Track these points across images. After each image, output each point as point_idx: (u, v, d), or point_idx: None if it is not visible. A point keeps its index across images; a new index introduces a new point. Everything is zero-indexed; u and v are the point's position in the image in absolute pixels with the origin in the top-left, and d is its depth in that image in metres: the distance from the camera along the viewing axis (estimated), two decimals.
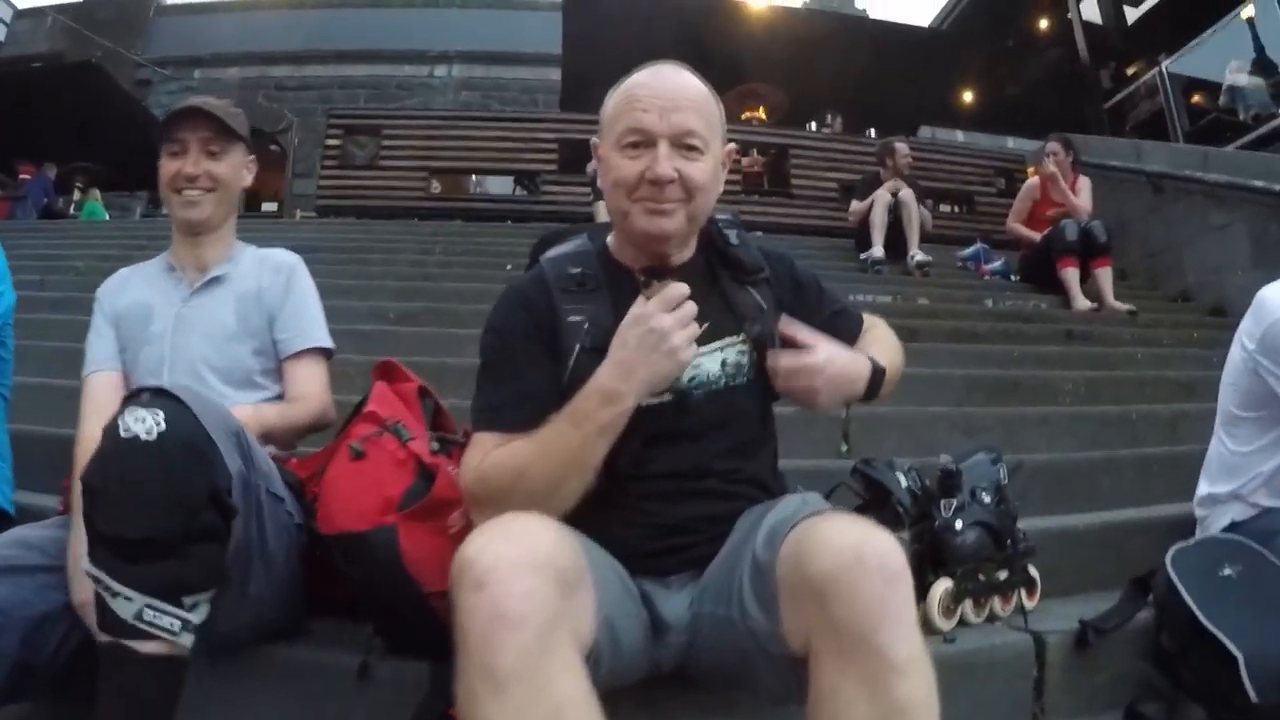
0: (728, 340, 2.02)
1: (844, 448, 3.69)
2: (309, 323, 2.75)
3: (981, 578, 2.64)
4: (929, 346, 5.85)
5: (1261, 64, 11.32)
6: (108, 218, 14.72)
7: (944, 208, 12.29)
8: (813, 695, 1.55)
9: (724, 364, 2.01)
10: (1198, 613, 2.49)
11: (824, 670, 1.54)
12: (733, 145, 2.15)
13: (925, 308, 7.17)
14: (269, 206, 19.51)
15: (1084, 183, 8.40)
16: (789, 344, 1.91)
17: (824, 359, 1.88)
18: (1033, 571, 2.79)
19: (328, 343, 2.78)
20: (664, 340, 1.75)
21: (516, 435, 1.86)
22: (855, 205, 9.03)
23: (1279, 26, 10.93)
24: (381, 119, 13.10)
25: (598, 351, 1.86)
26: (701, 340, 1.86)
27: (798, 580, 1.59)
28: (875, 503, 2.71)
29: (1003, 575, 2.70)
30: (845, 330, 2.17)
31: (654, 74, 1.99)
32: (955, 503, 2.67)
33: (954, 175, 12.29)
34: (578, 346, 1.93)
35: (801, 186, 11.80)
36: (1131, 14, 16.16)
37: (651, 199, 1.91)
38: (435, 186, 12.59)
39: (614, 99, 2.01)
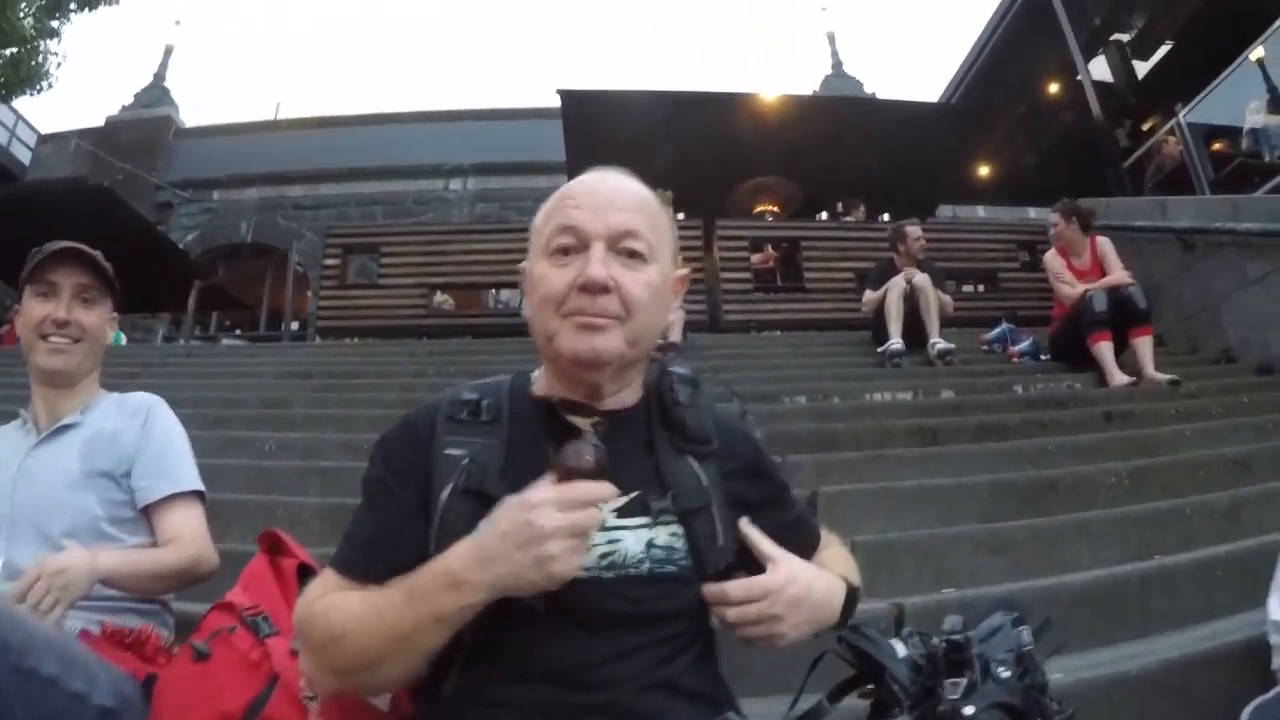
0: (658, 517, 1.62)
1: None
2: (173, 466, 2.55)
3: None
4: (953, 449, 5.42)
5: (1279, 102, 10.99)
6: (125, 342, 14.60)
7: (966, 288, 12.01)
8: None
9: (650, 545, 1.60)
10: None
11: None
12: (686, 271, 1.84)
13: (949, 401, 6.76)
14: (293, 327, 19.49)
15: (1105, 245, 8.03)
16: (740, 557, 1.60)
17: (786, 578, 1.56)
18: None
19: (197, 485, 2.57)
20: (538, 544, 1.37)
21: (360, 583, 1.56)
22: (868, 295, 8.73)
23: None
24: (380, 236, 13.07)
25: (473, 495, 1.54)
26: (622, 510, 1.56)
27: None
28: (867, 677, 2.17)
29: None
30: (802, 543, 1.80)
31: (594, 175, 1.73)
32: (964, 681, 2.12)
33: (974, 253, 11.96)
34: (450, 487, 1.57)
35: (815, 279, 11.48)
36: (1141, 68, 16.00)
37: (581, 311, 1.58)
38: (447, 303, 12.42)
39: (545, 206, 1.73)
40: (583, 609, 1.54)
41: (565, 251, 1.63)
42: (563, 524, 1.37)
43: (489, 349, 9.68)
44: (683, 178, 13.52)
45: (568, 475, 1.42)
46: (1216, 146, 12.26)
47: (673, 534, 1.62)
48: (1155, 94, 14.52)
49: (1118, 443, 5.48)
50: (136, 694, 1.96)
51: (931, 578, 3.59)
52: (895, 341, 8.16)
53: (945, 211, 16.84)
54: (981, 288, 12.03)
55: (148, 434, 2.53)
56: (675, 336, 8.28)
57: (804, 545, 1.80)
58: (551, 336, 1.62)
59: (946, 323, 8.66)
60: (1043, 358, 8.25)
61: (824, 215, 14.98)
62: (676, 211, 12.55)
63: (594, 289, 1.58)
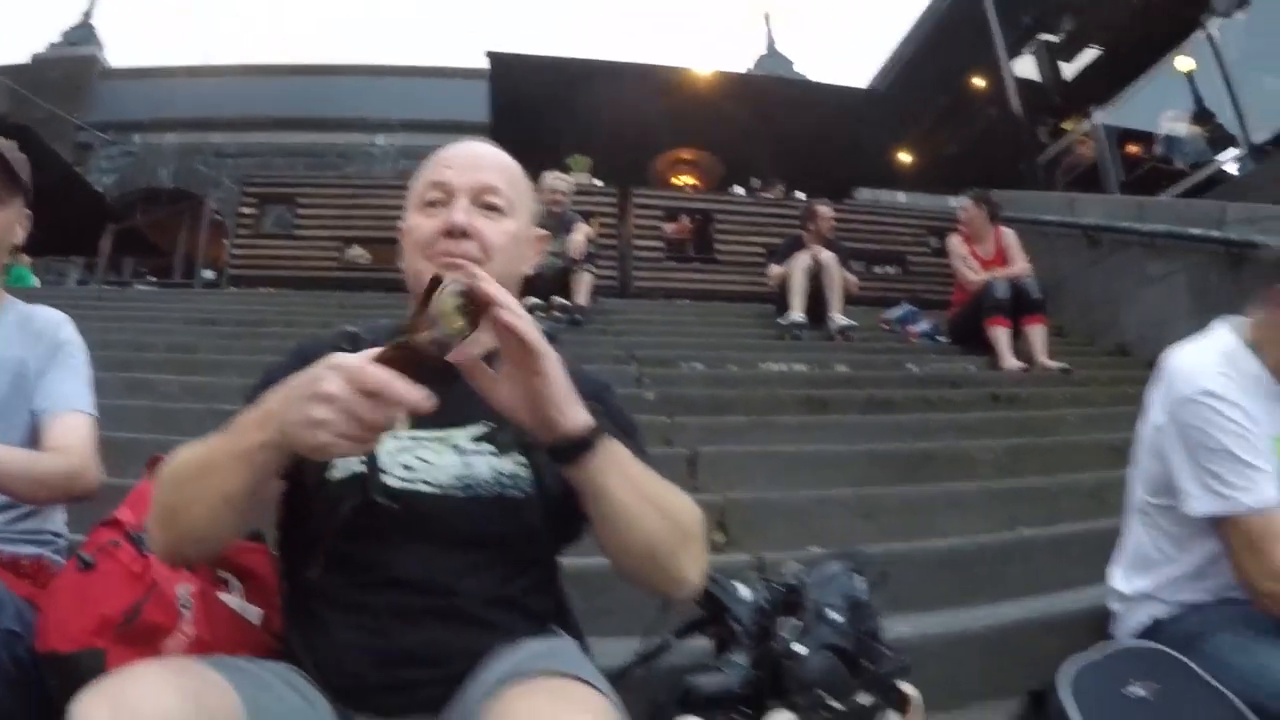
0: (506, 448, 1.74)
1: (720, 538, 3.34)
2: (70, 387, 2.44)
3: (837, 705, 2.21)
4: (838, 419, 5.50)
5: (1199, 114, 11.23)
6: (37, 283, 14.24)
7: (877, 269, 12.07)
8: None
9: (498, 472, 1.71)
10: None
11: None
12: (545, 232, 2.01)
13: (843, 375, 6.81)
14: (207, 274, 19.13)
15: (1008, 236, 8.22)
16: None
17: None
18: (907, 689, 2.35)
19: (90, 409, 2.46)
20: (312, 402, 1.33)
21: None
22: (774, 269, 8.85)
23: (1215, 76, 10.73)
24: (296, 187, 12.68)
25: None
26: (478, 438, 1.71)
27: None
28: (713, 620, 2.37)
29: (866, 700, 2.26)
30: None
31: (465, 143, 1.93)
32: (799, 623, 2.27)
33: (887, 236, 12.05)
34: None
35: (726, 251, 11.50)
36: (1068, 70, 16.24)
37: (446, 253, 1.73)
38: (363, 257, 12.25)
39: (421, 168, 1.91)
40: (435, 525, 1.65)
41: (434, 204, 1.81)
42: (338, 394, 1.31)
43: (401, 304, 9.54)
44: (605, 145, 13.57)
45: (407, 348, 1.35)
46: (1131, 150, 12.53)
47: (519, 463, 1.72)
48: (1079, 95, 14.74)
49: (1001, 423, 5.59)
50: (34, 621, 1.94)
51: (800, 538, 3.61)
52: (796, 315, 8.26)
53: (866, 195, 16.93)
54: (892, 270, 12.07)
55: (51, 357, 2.45)
56: (582, 300, 8.34)
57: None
58: (418, 275, 1.77)
59: (853, 301, 8.81)
60: (941, 339, 8.41)
61: (740, 190, 14.98)
62: (594, 178, 12.56)
63: (456, 233, 1.74)
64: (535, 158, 10.59)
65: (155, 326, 7.96)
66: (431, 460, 1.70)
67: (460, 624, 1.63)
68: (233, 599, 1.95)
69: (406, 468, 1.68)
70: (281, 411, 1.38)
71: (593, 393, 1.74)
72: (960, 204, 8.29)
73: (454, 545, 1.67)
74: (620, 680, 2.09)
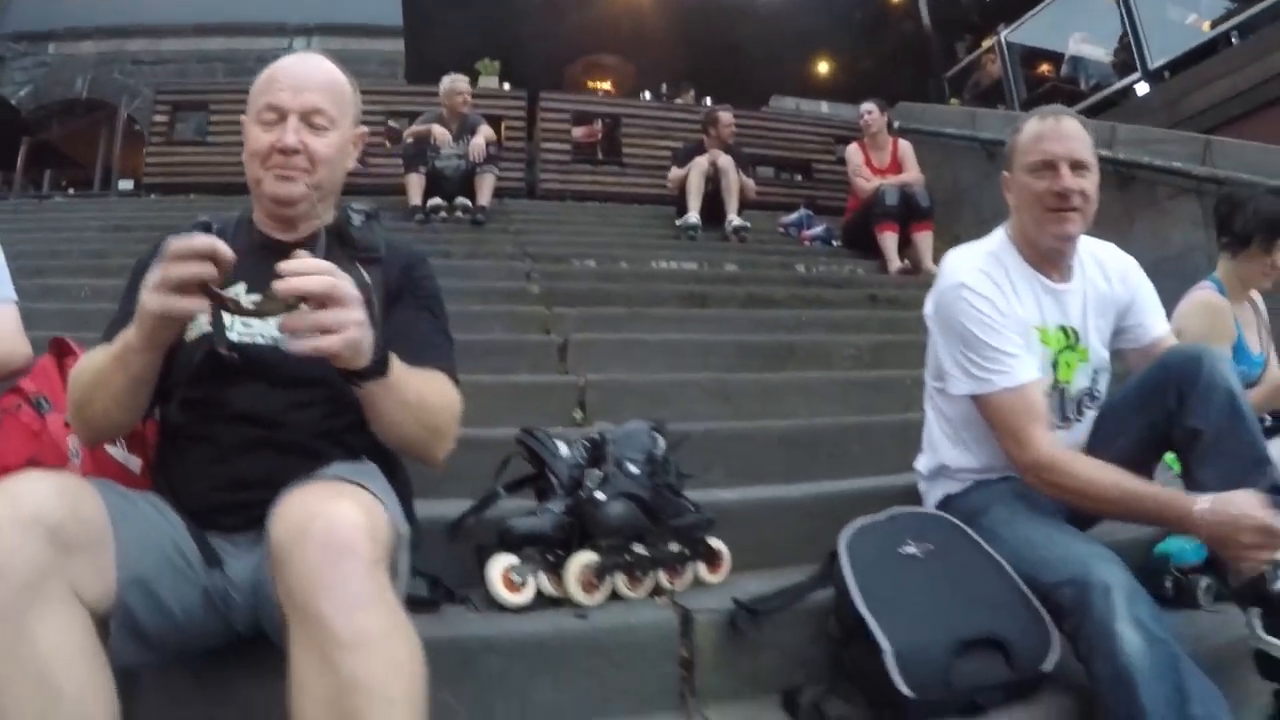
0: None
1: (579, 415, 3.49)
2: None
3: (641, 550, 2.48)
4: (713, 313, 5.68)
5: (1105, 37, 11.34)
6: None
7: (784, 175, 12.29)
8: (287, 664, 1.50)
9: None
10: (855, 596, 2.22)
11: (288, 640, 1.51)
12: (365, 129, 2.30)
13: (730, 274, 6.98)
14: (125, 185, 18.72)
15: (905, 147, 8.42)
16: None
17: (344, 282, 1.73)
18: (715, 544, 2.64)
19: (11, 295, 2.75)
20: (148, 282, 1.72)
21: None
22: (674, 172, 8.91)
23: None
24: (209, 94, 12.61)
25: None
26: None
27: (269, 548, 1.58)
28: (537, 474, 2.61)
29: (672, 548, 2.53)
30: (412, 347, 2.02)
31: (296, 59, 2.24)
32: (601, 474, 2.50)
33: (794, 144, 12.16)
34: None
35: (633, 155, 11.50)
36: None
37: (280, 167, 2.08)
38: None
39: (258, 80, 2.18)
40: (267, 369, 1.99)
41: (269, 121, 2.09)
42: (174, 268, 1.68)
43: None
44: (520, 50, 13.48)
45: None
46: (1043, 69, 12.66)
47: None
48: (998, 13, 14.76)
49: (873, 321, 5.79)
50: None
51: (655, 416, 3.77)
52: (692, 216, 8.35)
53: (789, 104, 16.94)
54: (799, 177, 12.22)
55: None
56: (484, 200, 8.39)
57: (412, 350, 2.00)
58: (258, 181, 2.12)
59: (759, 206, 9.05)
60: (835, 244, 8.58)
61: (647, 95, 14.96)
62: (502, 81, 12.50)
63: (288, 151, 2.06)
64: (448, 62, 10.56)
65: (70, 235, 7.89)
66: (264, 319, 1.92)
67: (289, 453, 1.97)
68: (116, 450, 2.18)
69: (245, 324, 2.02)
70: (140, 321, 1.74)
71: (406, 266, 2.24)
72: (866, 107, 8.34)
73: (283, 386, 2.00)
74: (456, 528, 2.45)
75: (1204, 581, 2.76)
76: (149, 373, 1.85)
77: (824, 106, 17.81)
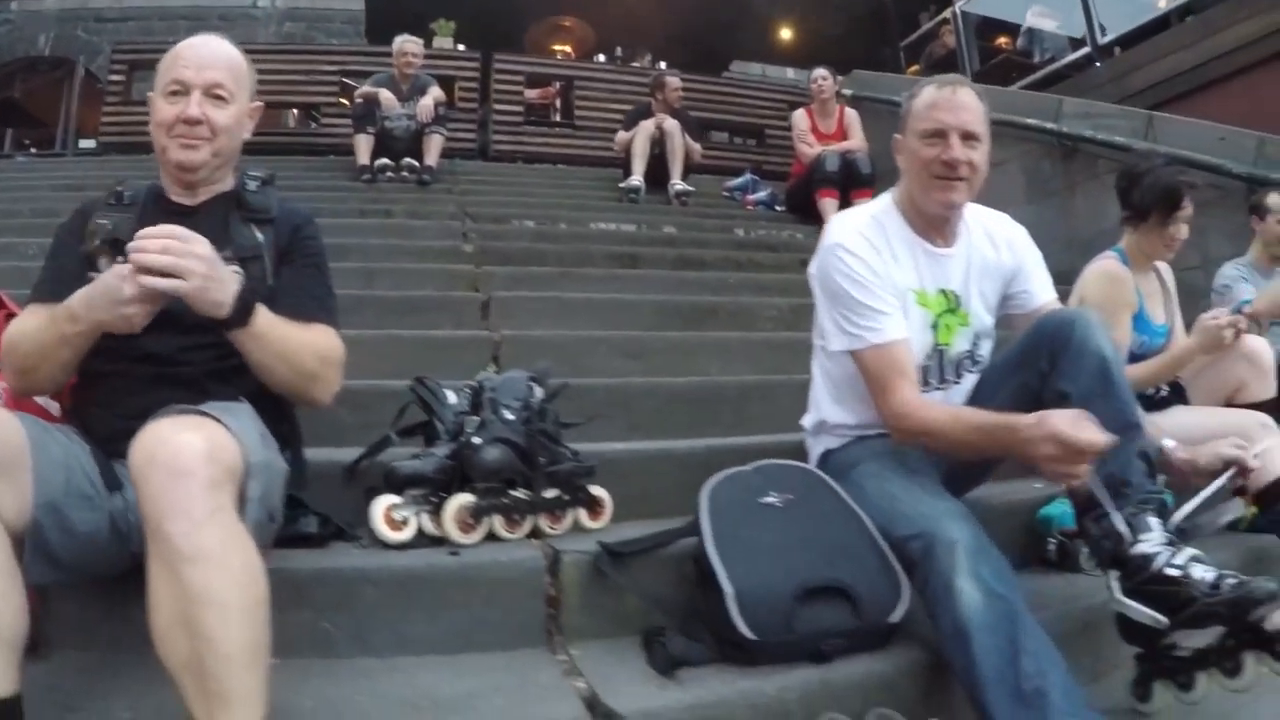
0: (225, 261, 2.18)
1: (492, 369, 3.57)
2: None
3: (519, 494, 2.56)
4: (642, 273, 5.75)
5: (1060, 10, 11.37)
6: None
7: (739, 140, 12.40)
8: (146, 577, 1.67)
9: None
10: (706, 540, 2.30)
11: (147, 555, 1.68)
12: (260, 103, 2.56)
13: (667, 235, 7.05)
14: (87, 144, 18.51)
15: (851, 115, 8.50)
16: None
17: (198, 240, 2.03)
18: (597, 491, 2.71)
19: None
20: (120, 305, 2.00)
21: (44, 305, 2.18)
22: (620, 135, 8.94)
23: None
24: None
25: (107, 244, 2.23)
26: None
27: None
28: (428, 420, 2.73)
29: (551, 493, 2.61)
30: (291, 302, 2.30)
31: (199, 40, 2.45)
32: (479, 420, 2.61)
33: (748, 109, 12.23)
34: (96, 241, 2.26)
35: (586, 118, 11.56)
36: None
37: (184, 136, 2.32)
38: None
39: (164, 59, 2.43)
40: (171, 318, 2.11)
41: (174, 94, 2.34)
42: (135, 294, 1.97)
43: (271, 164, 9.45)
44: (477, 11, 13.42)
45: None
46: (1000, 41, 12.69)
47: (235, 272, 2.17)
48: None
49: (800, 284, 5.67)
50: None
51: (565, 371, 3.81)
52: (635, 179, 8.41)
53: (755, 69, 16.95)
54: (752, 141, 12.33)
55: None
56: (431, 161, 8.45)
57: (297, 303, 2.31)
58: (164, 149, 2.36)
59: (705, 170, 9.15)
60: (778, 208, 8.64)
61: (603, 58, 14.95)
62: (458, 42, 12.46)
63: (191, 121, 2.31)
64: (407, 21, 10.53)
65: (25, 194, 7.89)
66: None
67: (184, 388, 2.16)
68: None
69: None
70: (92, 314, 2.02)
71: (295, 226, 2.46)
72: (820, 73, 8.40)
73: (182, 331, 2.18)
74: (352, 471, 2.59)
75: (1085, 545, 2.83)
76: (91, 343, 2.12)
77: (790, 73, 17.83)
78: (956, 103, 2.59)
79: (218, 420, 1.84)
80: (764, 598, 2.16)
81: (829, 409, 2.80)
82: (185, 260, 1.97)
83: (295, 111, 12.89)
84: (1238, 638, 2.18)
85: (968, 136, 2.57)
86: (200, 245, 2.00)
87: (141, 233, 1.99)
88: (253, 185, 2.47)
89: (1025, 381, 2.49)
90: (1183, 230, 3.65)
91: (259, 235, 2.38)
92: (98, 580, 2.03)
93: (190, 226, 2.05)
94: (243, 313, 2.07)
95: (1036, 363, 2.46)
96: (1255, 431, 3.22)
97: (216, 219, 2.36)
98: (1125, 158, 3.99)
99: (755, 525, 2.34)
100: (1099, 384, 2.33)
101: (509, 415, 2.60)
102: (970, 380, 2.76)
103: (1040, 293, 2.81)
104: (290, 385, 2.26)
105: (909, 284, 2.64)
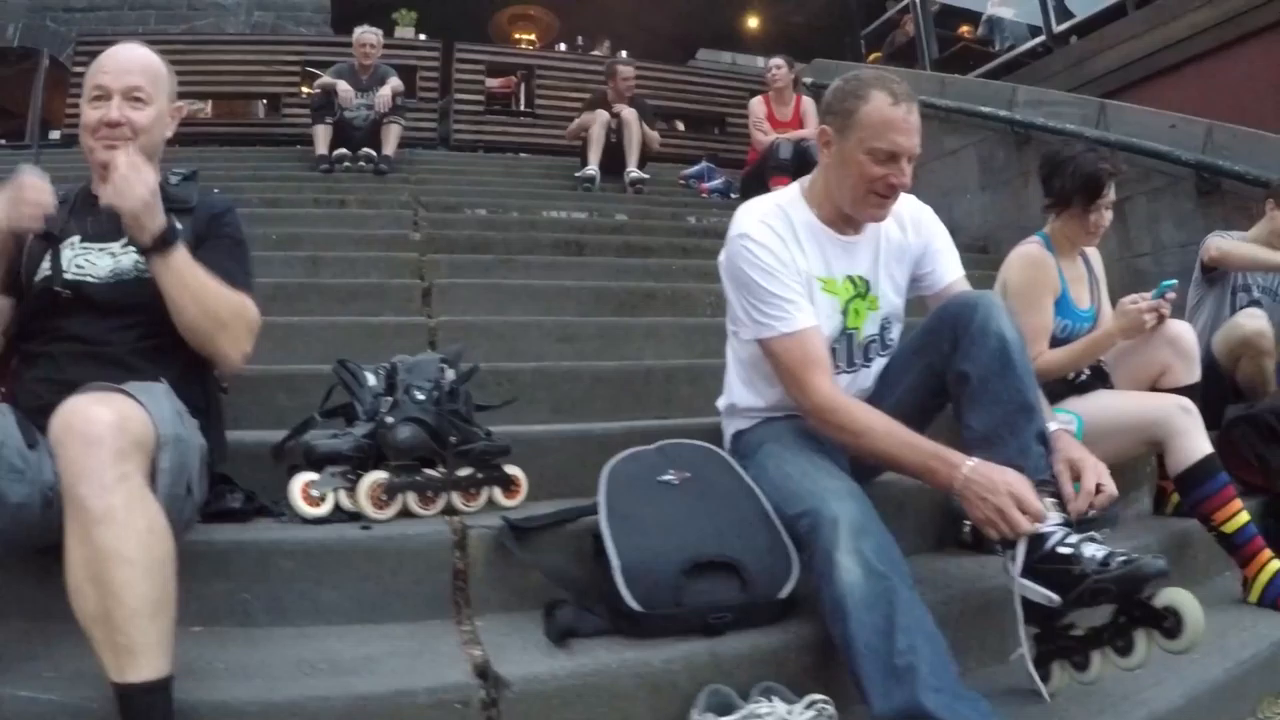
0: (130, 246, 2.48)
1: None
2: None
3: (433, 472, 2.64)
4: (586, 260, 5.79)
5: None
6: None
7: (700, 128, 12.47)
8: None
9: (137, 263, 2.46)
10: (600, 514, 2.36)
11: (65, 518, 1.80)
12: (182, 103, 2.75)
13: (617, 223, 7.11)
14: (56, 135, 18.35)
15: (808, 104, 8.58)
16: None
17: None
18: (512, 471, 2.77)
19: None
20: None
21: None
22: (574, 123, 9.04)
23: None
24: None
25: (40, 239, 2.48)
26: (126, 242, 2.46)
27: None
28: (350, 402, 2.81)
29: (465, 472, 2.68)
30: (213, 271, 2.46)
31: (119, 49, 2.61)
32: (392, 400, 2.69)
33: (709, 98, 12.36)
34: (30, 236, 2.47)
35: (546, 106, 11.57)
36: None
37: (106, 137, 2.46)
38: (202, 111, 12.00)
39: (89, 68, 2.59)
40: (96, 300, 2.42)
41: (97, 99, 2.50)
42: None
43: (221, 156, 9.54)
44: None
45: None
46: (963, 29, 12.73)
47: (139, 258, 2.43)
48: None
49: None
50: None
51: (499, 355, 3.95)
52: (590, 168, 8.50)
53: (725, 58, 16.93)
54: (716, 130, 12.40)
55: None
56: (389, 150, 8.51)
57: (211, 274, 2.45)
58: (90, 150, 2.50)
59: (664, 158, 9.23)
60: (733, 196, 8.65)
61: (563, 47, 14.98)
62: (418, 33, 12.47)
63: (113, 124, 2.47)
64: (371, 10, 10.53)
65: None
66: (94, 261, 2.47)
67: (109, 365, 2.33)
68: None
69: (78, 267, 2.46)
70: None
71: (213, 215, 2.66)
72: (775, 62, 8.49)
73: (108, 313, 2.43)
74: (279, 450, 2.69)
75: None
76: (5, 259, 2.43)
77: (760, 61, 17.87)
78: (911, 125, 2.55)
79: (132, 397, 1.99)
80: (651, 571, 2.20)
81: (739, 391, 2.83)
82: (135, 180, 2.28)
83: (264, 102, 12.83)
84: (1129, 615, 2.22)
85: (912, 159, 2.58)
86: (150, 177, 2.34)
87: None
88: (175, 179, 2.69)
89: (930, 363, 2.52)
90: (1105, 217, 3.64)
91: (178, 224, 2.46)
92: (31, 552, 2.09)
93: (117, 218, 2.34)
94: (165, 243, 2.33)
95: (939, 344, 2.48)
96: (1175, 417, 3.23)
97: None
98: (1053, 146, 3.93)
99: (650, 502, 2.38)
100: (998, 364, 2.35)
101: (420, 395, 2.67)
102: (879, 363, 2.78)
103: (948, 273, 2.81)
104: (200, 329, 2.41)
105: (814, 271, 2.64)
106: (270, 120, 11.87)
